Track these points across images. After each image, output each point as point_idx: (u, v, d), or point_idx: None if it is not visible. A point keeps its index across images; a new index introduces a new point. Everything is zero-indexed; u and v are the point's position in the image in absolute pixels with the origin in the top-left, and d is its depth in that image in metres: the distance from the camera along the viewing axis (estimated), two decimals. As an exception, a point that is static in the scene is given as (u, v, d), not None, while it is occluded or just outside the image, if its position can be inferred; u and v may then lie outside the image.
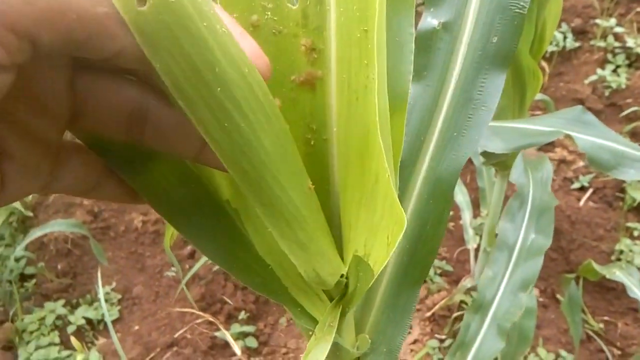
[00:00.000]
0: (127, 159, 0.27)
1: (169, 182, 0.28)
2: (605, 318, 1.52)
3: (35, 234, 1.55)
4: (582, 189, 1.82)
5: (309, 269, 0.30)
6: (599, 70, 2.14)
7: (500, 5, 0.36)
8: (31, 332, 1.55)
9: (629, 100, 2.06)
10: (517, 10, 0.36)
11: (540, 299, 1.58)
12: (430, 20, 0.37)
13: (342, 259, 0.33)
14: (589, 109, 2.09)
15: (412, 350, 1.46)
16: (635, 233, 1.66)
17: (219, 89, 0.20)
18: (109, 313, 1.61)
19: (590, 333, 1.49)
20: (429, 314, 1.52)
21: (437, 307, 1.51)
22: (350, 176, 0.30)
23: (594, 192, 1.81)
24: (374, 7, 0.24)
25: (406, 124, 0.40)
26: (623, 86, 2.07)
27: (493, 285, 0.72)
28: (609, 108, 2.10)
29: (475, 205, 1.63)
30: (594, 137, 0.70)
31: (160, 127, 0.24)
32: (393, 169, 0.31)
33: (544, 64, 2.24)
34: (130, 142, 0.25)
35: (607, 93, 2.10)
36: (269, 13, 0.27)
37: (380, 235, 0.28)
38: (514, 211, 0.76)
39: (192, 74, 0.19)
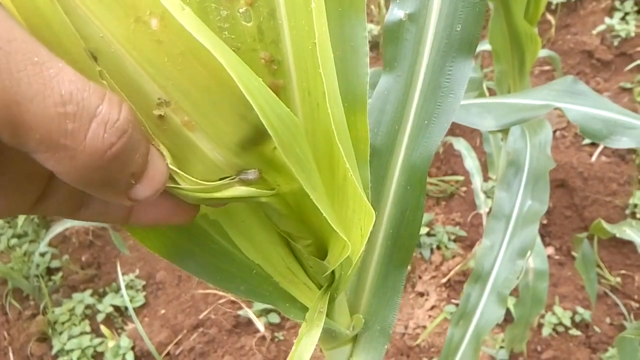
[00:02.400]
0: None
1: None
2: (622, 272, 1.53)
3: (57, 229, 1.59)
4: (594, 145, 1.80)
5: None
6: (606, 19, 2.09)
7: (462, -6, 0.37)
8: (63, 323, 1.62)
9: (639, 49, 2.01)
10: (477, -2, 0.36)
11: (556, 257, 1.59)
12: (397, 12, 0.38)
13: (324, 244, 0.35)
14: (598, 60, 2.06)
15: (430, 317, 1.49)
16: (650, 185, 1.64)
17: None
18: (135, 299, 1.66)
19: (607, 288, 1.49)
20: (444, 280, 1.54)
21: (452, 272, 1.53)
22: (323, 176, 0.32)
23: (605, 147, 1.79)
24: (321, 21, 0.25)
25: (382, 114, 0.41)
26: (632, 34, 2.02)
27: (491, 255, 0.73)
28: (618, 58, 2.05)
29: (486, 169, 1.64)
30: (586, 107, 0.70)
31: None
32: (357, 166, 0.32)
33: (549, 16, 2.20)
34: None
35: (616, 43, 2.05)
36: (227, 32, 0.28)
37: (354, 228, 0.30)
38: (509, 179, 0.76)
39: None
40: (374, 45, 2.34)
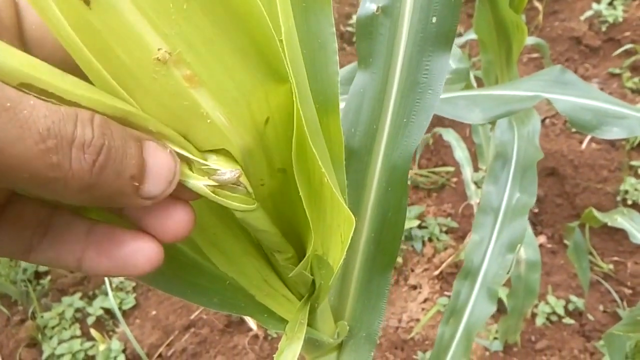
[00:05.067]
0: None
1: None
2: (615, 258, 1.52)
3: (44, 232, 1.57)
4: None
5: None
6: (594, 5, 2.07)
7: (436, -16, 0.35)
8: (53, 328, 1.60)
9: (627, 34, 2.00)
10: (454, -13, 0.34)
11: (548, 246, 1.59)
12: (369, 5, 0.36)
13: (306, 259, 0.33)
14: (587, 46, 2.04)
15: (423, 309, 1.48)
16: (640, 171, 1.64)
17: None
18: (125, 301, 1.64)
19: (600, 275, 1.49)
20: (436, 272, 1.53)
21: (444, 264, 1.52)
22: (300, 181, 0.30)
23: (595, 133, 1.78)
24: (286, 14, 0.23)
25: (359, 113, 0.39)
26: (620, 19, 2.01)
27: (480, 250, 0.72)
28: (607, 43, 2.04)
29: (476, 159, 1.62)
30: (575, 97, 0.68)
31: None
32: (333, 169, 0.30)
33: (536, 3, 2.18)
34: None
35: (604, 28, 2.04)
36: None
37: (334, 235, 0.28)
38: (497, 172, 0.74)
39: None
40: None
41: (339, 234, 0.28)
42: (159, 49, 0.20)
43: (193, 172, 0.23)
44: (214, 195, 0.23)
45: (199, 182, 0.23)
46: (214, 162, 0.23)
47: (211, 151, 0.23)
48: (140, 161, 0.21)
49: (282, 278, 0.35)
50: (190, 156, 0.23)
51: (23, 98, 0.18)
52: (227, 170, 0.24)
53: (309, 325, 0.33)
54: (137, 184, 0.21)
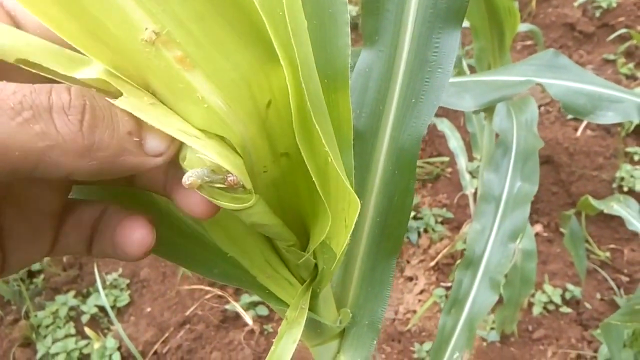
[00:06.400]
0: None
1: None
2: (612, 246, 1.52)
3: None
4: (579, 119, 1.79)
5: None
6: (587, -9, 2.07)
7: (447, -44, 0.33)
8: (47, 327, 1.58)
9: (621, 19, 2.00)
10: (466, -41, 0.33)
11: (545, 234, 1.58)
12: (376, -20, 0.34)
13: (308, 243, 0.32)
14: (580, 32, 2.04)
15: (419, 301, 1.47)
16: (636, 157, 1.63)
17: None
18: (119, 299, 1.62)
19: (597, 263, 1.49)
20: (432, 263, 1.52)
21: (440, 255, 1.51)
22: (308, 161, 0.29)
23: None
24: None
25: (364, 93, 0.38)
26: (614, 4, 2.00)
27: (482, 239, 0.71)
28: (601, 29, 2.04)
29: (470, 149, 1.61)
30: (569, 82, 0.66)
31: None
32: (339, 150, 0.29)
33: (530, -10, 2.17)
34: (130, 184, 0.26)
35: (597, 14, 2.03)
36: None
37: (338, 218, 0.27)
38: (497, 160, 0.73)
39: None
40: (354, 27, 2.29)
41: (344, 218, 0.27)
42: (145, 29, 0.19)
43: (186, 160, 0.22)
44: (206, 195, 0.22)
45: (191, 175, 0.21)
46: (212, 150, 0.22)
47: (210, 136, 0.22)
48: (134, 117, 0.20)
49: (284, 260, 0.34)
50: (187, 141, 0.21)
51: None
52: (220, 177, 0.22)
53: (310, 310, 0.32)
54: (138, 139, 0.21)
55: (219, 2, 0.19)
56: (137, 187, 0.26)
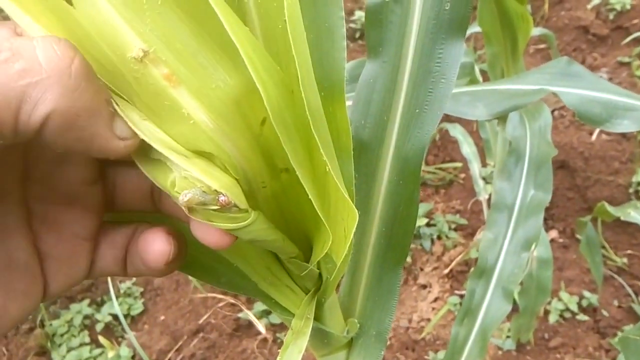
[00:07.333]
0: None
1: None
2: (629, 252, 1.49)
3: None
4: (593, 123, 1.77)
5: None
6: (601, -7, 2.05)
7: (449, -32, 0.33)
8: (61, 335, 1.59)
9: (635, 22, 1.97)
10: (468, -29, 0.32)
11: (560, 240, 1.56)
12: (379, -8, 0.34)
13: (312, 253, 0.32)
14: (594, 35, 2.02)
15: (433, 309, 1.46)
16: (652, 162, 1.61)
17: None
18: (133, 307, 1.63)
19: (614, 270, 1.46)
20: (446, 270, 1.51)
21: (454, 263, 1.50)
22: (304, 169, 0.29)
23: (605, 125, 1.75)
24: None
25: (369, 104, 0.38)
26: (628, 7, 1.98)
27: (495, 248, 0.70)
28: (615, 32, 2.01)
29: (483, 154, 1.60)
30: (583, 90, 0.65)
31: None
32: (339, 161, 0.29)
33: (542, -7, 2.16)
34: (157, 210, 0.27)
35: (611, 16, 2.01)
36: None
37: (338, 229, 0.27)
38: (510, 168, 0.72)
39: None
40: (362, 36, 2.29)
41: (343, 228, 0.27)
42: (135, 47, 0.19)
43: (175, 183, 0.22)
44: (191, 216, 0.22)
45: (188, 193, 0.21)
46: (200, 170, 0.22)
47: (198, 155, 0.22)
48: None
49: (286, 268, 0.34)
50: (174, 159, 0.21)
51: None
52: (210, 197, 0.22)
53: (316, 320, 0.33)
54: (112, 110, 0.21)
55: (206, 22, 0.20)
56: (163, 213, 0.27)
